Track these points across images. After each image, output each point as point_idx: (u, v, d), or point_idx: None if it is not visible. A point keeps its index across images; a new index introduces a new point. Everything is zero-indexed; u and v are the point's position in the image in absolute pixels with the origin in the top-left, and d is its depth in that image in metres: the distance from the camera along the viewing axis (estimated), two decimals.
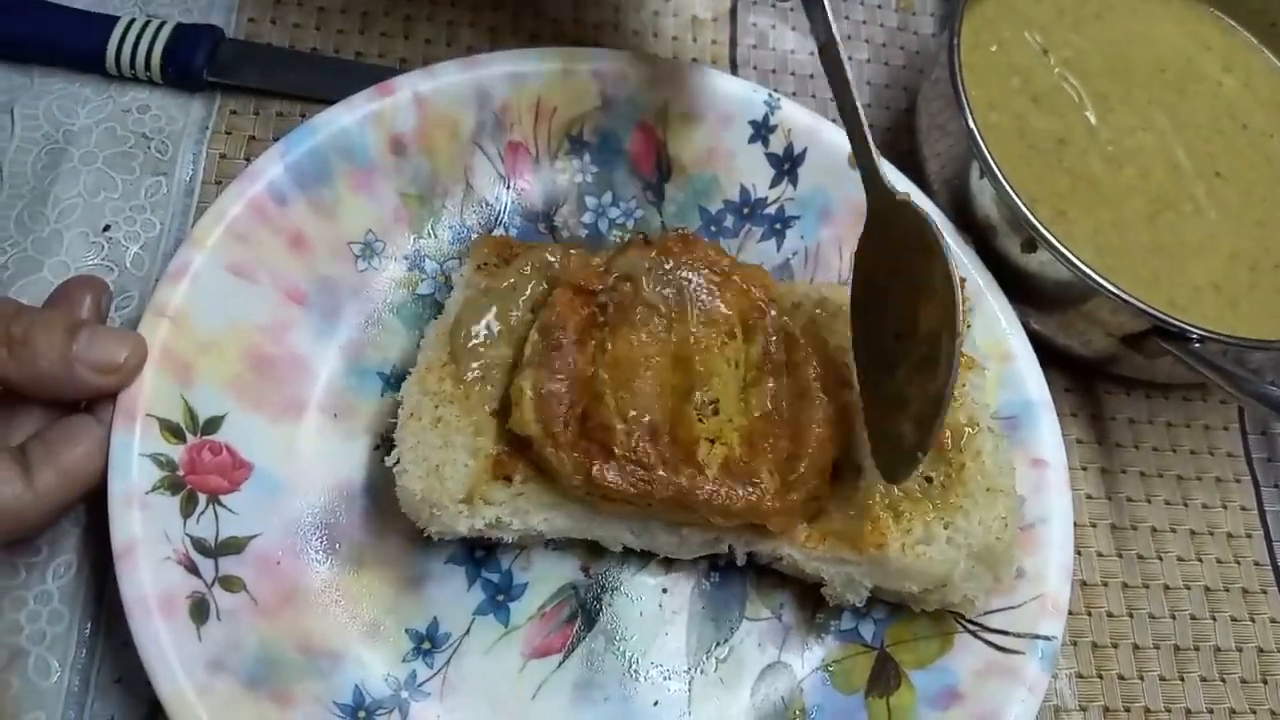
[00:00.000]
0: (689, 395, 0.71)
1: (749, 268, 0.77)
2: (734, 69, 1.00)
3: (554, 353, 0.70)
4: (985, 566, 0.70)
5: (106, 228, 0.81)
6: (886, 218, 0.72)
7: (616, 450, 0.67)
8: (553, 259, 0.77)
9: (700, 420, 0.70)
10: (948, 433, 0.72)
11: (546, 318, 0.71)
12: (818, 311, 0.79)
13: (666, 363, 0.72)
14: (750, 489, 0.68)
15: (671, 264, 0.74)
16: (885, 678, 0.75)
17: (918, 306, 0.68)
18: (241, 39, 0.90)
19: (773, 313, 0.75)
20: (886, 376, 0.70)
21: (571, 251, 0.78)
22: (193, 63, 0.86)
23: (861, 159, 0.74)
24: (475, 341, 0.73)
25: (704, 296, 0.74)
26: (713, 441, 0.70)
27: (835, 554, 0.70)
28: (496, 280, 0.75)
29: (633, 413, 0.69)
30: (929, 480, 0.72)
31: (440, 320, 0.75)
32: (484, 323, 0.74)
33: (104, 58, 0.84)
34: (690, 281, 0.74)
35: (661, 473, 0.67)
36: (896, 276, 0.71)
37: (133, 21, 0.86)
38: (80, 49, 0.84)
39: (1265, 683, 0.84)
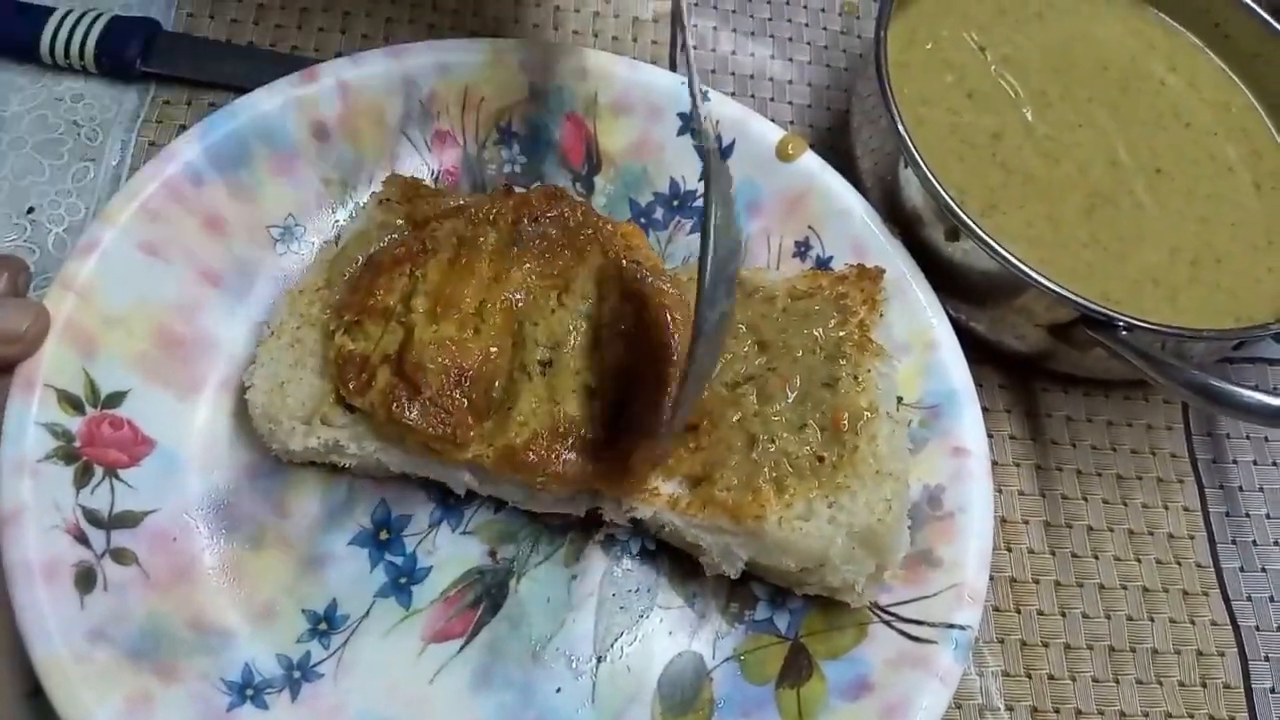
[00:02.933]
0: (520, 350, 0.70)
1: (621, 227, 0.76)
2: (673, 68, 1.00)
3: (361, 284, 0.71)
4: (867, 550, 0.68)
5: (30, 210, 0.82)
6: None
7: (424, 392, 0.67)
8: (453, 205, 0.77)
9: (529, 378, 0.69)
10: (845, 414, 0.71)
11: (376, 251, 0.72)
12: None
13: (501, 315, 0.71)
14: (574, 454, 0.67)
15: (528, 216, 0.74)
16: (797, 668, 0.73)
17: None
18: (179, 32, 0.91)
19: (640, 275, 0.74)
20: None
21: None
22: (126, 53, 0.87)
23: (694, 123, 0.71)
24: (352, 270, 0.74)
25: (554, 251, 0.74)
26: (554, 403, 0.69)
27: (714, 522, 0.69)
28: (394, 217, 0.75)
29: (442, 359, 0.68)
30: (820, 459, 0.70)
31: (329, 247, 0.75)
32: (364, 255, 0.74)
33: (38, 47, 0.85)
34: (543, 235, 0.74)
35: (470, 421, 0.66)
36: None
37: (69, 13, 0.87)
38: (15, 38, 0.86)
39: (1204, 686, 0.82)
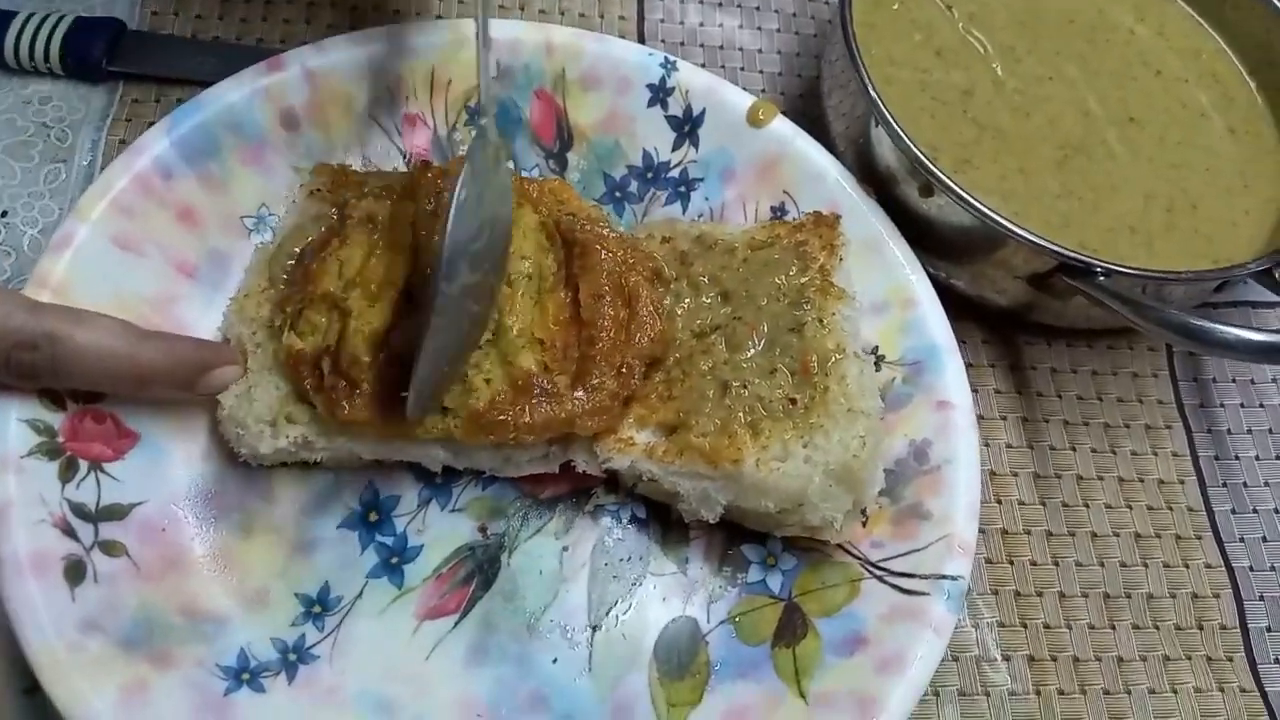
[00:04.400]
0: None
1: (549, 183, 0.78)
2: (642, 43, 1.01)
3: (295, 277, 0.72)
4: (844, 487, 0.68)
5: (4, 213, 0.81)
6: None
7: (361, 385, 0.67)
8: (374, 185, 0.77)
9: (477, 345, 0.70)
10: (813, 356, 0.71)
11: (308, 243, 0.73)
12: (689, 247, 0.80)
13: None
14: (540, 401, 0.67)
15: (447, 188, 0.74)
16: (792, 627, 0.73)
17: None
18: (144, 30, 0.91)
19: (577, 224, 0.74)
20: None
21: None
22: (91, 53, 0.87)
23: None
24: (289, 266, 0.74)
25: None
26: (508, 363, 0.70)
27: (691, 468, 0.69)
28: (326, 207, 0.75)
29: (376, 348, 0.68)
30: (793, 402, 0.71)
31: (266, 246, 0.75)
32: (302, 249, 0.74)
33: (2, 51, 0.85)
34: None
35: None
36: None
37: (31, 15, 0.87)
38: None
39: (1200, 629, 0.82)
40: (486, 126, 0.70)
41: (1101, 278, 0.78)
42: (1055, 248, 0.78)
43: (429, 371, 0.64)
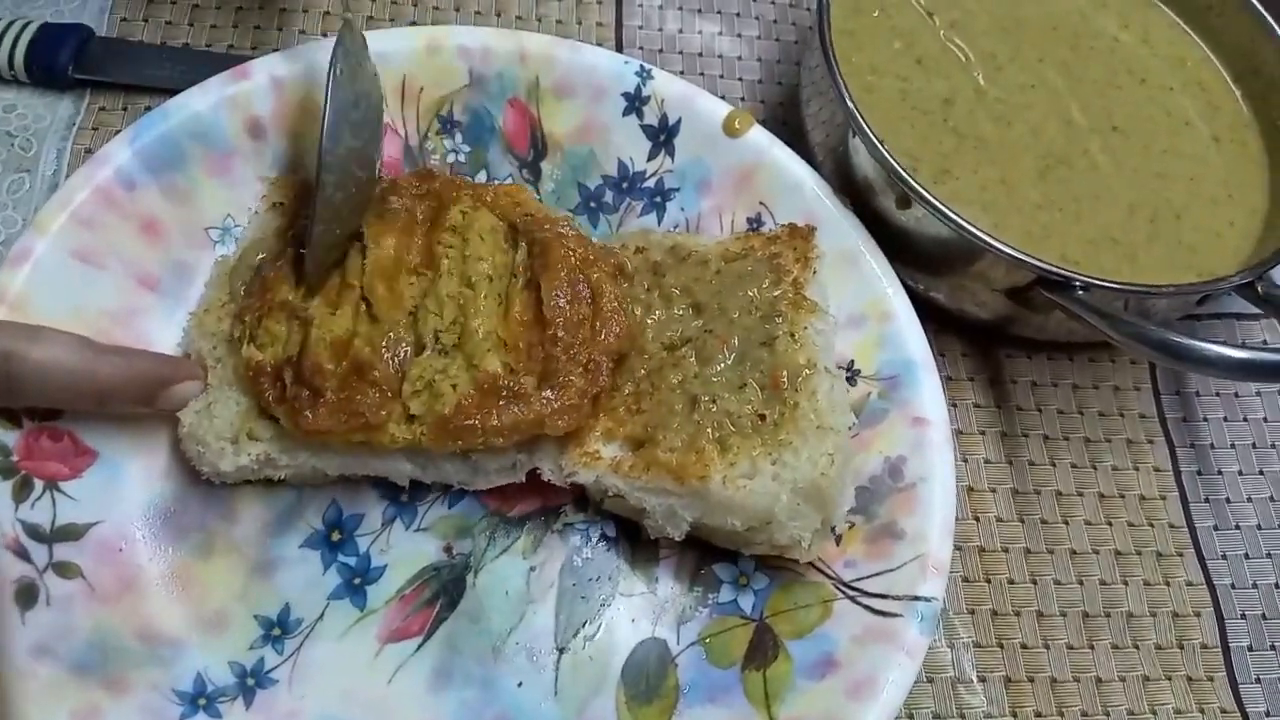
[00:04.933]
0: (421, 324, 0.70)
1: (504, 187, 0.78)
2: (620, 50, 0.99)
3: (253, 289, 0.71)
4: (812, 505, 0.67)
5: None
6: None
7: (325, 394, 0.66)
8: None
9: (442, 351, 0.69)
10: (784, 372, 0.70)
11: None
12: (663, 258, 0.79)
13: (392, 296, 0.70)
14: (506, 403, 0.66)
15: (397, 195, 0.75)
16: (763, 649, 0.72)
17: None
18: (112, 36, 0.90)
19: (535, 226, 0.74)
20: None
21: None
22: (57, 61, 0.85)
23: None
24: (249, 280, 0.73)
25: (437, 224, 0.74)
26: (473, 367, 0.69)
27: (657, 484, 0.68)
28: (287, 220, 0.74)
29: (338, 356, 0.68)
30: (762, 418, 0.69)
31: (226, 259, 0.74)
32: (260, 262, 0.73)
33: None
34: (410, 210, 0.75)
35: (379, 402, 0.66)
36: None
37: None
38: None
39: (1181, 648, 0.81)
40: (352, 19, 0.75)
41: (1080, 291, 0.77)
42: (1032, 260, 0.77)
43: (321, 230, 0.69)
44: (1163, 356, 0.73)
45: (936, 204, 0.77)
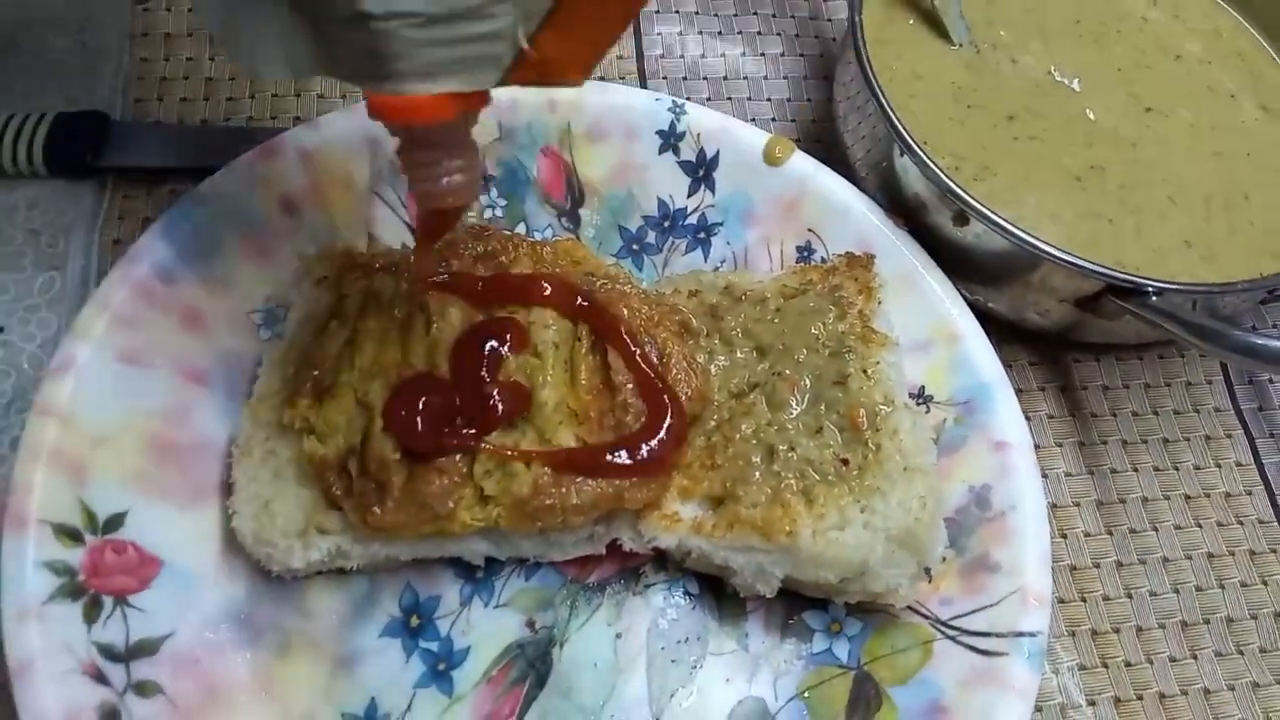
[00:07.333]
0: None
1: (560, 244, 0.75)
2: (644, 83, 0.97)
3: (302, 373, 0.68)
4: (907, 551, 0.65)
5: (0, 329, 0.78)
6: None
7: (393, 489, 0.63)
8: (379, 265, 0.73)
9: (513, 426, 0.66)
10: (862, 411, 0.68)
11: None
12: (718, 299, 0.76)
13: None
14: (584, 480, 0.64)
15: (454, 257, 0.71)
16: (865, 699, 0.69)
17: None
18: (128, 121, 0.87)
19: (593, 283, 0.71)
20: None
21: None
22: (75, 151, 0.83)
23: None
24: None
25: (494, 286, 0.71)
26: (545, 442, 0.66)
27: (743, 542, 0.66)
28: (333, 295, 0.71)
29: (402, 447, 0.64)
30: (845, 463, 0.67)
31: (277, 344, 0.71)
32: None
33: None
34: (473, 274, 0.71)
35: (450, 490, 0.64)
36: None
37: (11, 117, 0.83)
38: None
39: None
40: None
41: (1154, 297, 0.74)
42: (1103, 270, 0.74)
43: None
44: (1249, 361, 0.71)
45: (999, 221, 0.75)
